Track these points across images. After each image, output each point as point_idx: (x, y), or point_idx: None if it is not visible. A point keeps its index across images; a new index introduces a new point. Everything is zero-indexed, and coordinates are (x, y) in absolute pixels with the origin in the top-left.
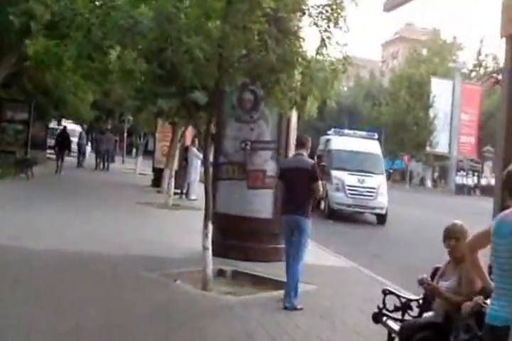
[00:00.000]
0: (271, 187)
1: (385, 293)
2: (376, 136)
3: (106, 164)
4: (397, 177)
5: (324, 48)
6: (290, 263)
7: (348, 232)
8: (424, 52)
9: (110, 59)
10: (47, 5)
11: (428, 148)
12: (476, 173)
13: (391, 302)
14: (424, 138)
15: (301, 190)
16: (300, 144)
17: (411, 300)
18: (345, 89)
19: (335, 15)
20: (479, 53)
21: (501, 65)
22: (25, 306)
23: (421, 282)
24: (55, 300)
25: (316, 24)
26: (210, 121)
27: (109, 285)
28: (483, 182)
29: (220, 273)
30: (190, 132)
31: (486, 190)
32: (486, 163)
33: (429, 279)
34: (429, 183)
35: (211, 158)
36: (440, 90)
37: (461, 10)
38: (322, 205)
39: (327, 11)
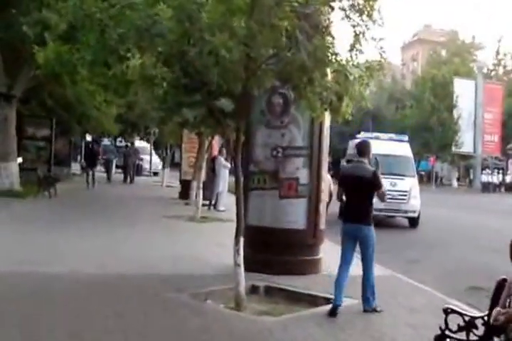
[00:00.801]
0: (304, 196)
1: (447, 312)
2: (407, 138)
3: (132, 177)
4: (424, 178)
5: (358, 44)
6: (343, 273)
7: (380, 238)
8: (444, 53)
9: (128, 64)
10: (61, 14)
11: (454, 148)
12: (500, 171)
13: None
14: (450, 139)
15: (362, 198)
16: (361, 152)
17: (475, 318)
18: (368, 92)
19: (368, 7)
20: (498, 52)
21: None
22: None
23: (495, 319)
24: (71, 334)
25: (348, 17)
26: (240, 128)
27: (133, 311)
28: (508, 179)
29: (252, 290)
30: (216, 142)
31: (510, 187)
32: (510, 161)
33: (494, 293)
34: (455, 183)
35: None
36: (463, 90)
37: (479, 9)
38: None
39: (359, 4)
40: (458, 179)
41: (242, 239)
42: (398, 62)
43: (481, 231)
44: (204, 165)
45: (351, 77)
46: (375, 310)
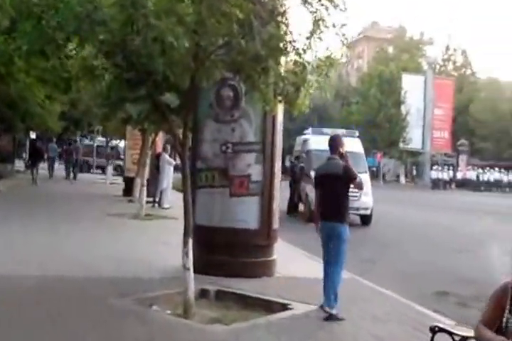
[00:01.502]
0: (256, 194)
1: (434, 330)
2: (357, 134)
3: (75, 174)
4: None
5: (318, 31)
6: (328, 270)
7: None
8: (391, 50)
9: (67, 54)
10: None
11: (401, 145)
12: (450, 167)
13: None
14: (397, 135)
15: (337, 195)
16: (332, 147)
17: (468, 338)
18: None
19: None
20: (447, 48)
21: (470, 59)
22: None
23: None
24: None
25: (306, 2)
26: (187, 123)
27: (70, 318)
28: (459, 176)
29: (202, 294)
30: (160, 139)
31: (461, 184)
32: (461, 157)
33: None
34: (402, 180)
35: (189, 165)
36: (411, 86)
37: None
38: (301, 208)
39: None
40: (406, 176)
41: (190, 241)
42: (343, 59)
43: (433, 229)
44: (148, 161)
45: (309, 67)
46: (336, 318)
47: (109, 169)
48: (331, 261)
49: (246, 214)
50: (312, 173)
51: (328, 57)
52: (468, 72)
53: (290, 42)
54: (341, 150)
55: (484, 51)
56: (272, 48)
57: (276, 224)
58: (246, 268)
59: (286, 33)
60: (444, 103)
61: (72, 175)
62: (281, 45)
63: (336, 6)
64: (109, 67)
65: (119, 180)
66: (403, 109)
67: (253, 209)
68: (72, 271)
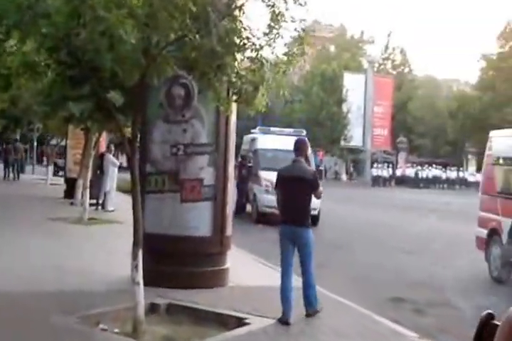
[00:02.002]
0: (209, 199)
1: None
2: (305, 133)
3: (16, 174)
4: None
5: (277, 26)
6: (287, 282)
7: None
8: (333, 48)
9: (5, 49)
10: None
11: (342, 143)
12: (390, 165)
13: None
14: (339, 133)
15: (301, 199)
16: (297, 150)
17: None
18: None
19: None
20: (387, 47)
21: (408, 57)
22: None
23: None
24: None
25: None
26: (136, 123)
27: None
28: (398, 173)
29: (152, 309)
30: (104, 138)
31: (400, 181)
32: (400, 154)
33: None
34: (344, 177)
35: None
36: (353, 84)
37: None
38: (248, 209)
39: None
40: (348, 173)
41: (140, 252)
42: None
43: (379, 228)
44: (91, 162)
45: (267, 64)
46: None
47: (50, 169)
48: (304, 268)
49: (198, 220)
50: (261, 173)
51: (287, 54)
52: (407, 70)
53: (247, 38)
54: (307, 153)
55: (422, 50)
56: (229, 44)
57: (229, 231)
58: (198, 279)
59: (243, 28)
60: (383, 101)
61: (12, 175)
62: (238, 40)
63: (295, 0)
64: (52, 63)
65: (61, 180)
66: (344, 107)
67: (205, 215)
68: (9, 285)
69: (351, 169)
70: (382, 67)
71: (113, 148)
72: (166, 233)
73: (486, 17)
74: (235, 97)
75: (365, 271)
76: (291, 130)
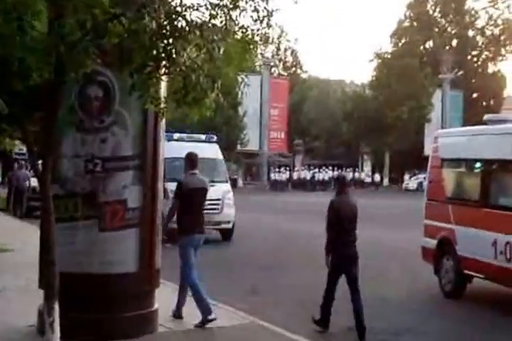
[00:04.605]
0: (135, 225)
1: None
2: (215, 139)
3: None
4: None
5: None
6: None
7: (199, 259)
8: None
9: None
10: None
11: (239, 147)
12: (287, 168)
13: None
14: (235, 137)
15: (201, 209)
16: (194, 164)
17: None
18: None
19: None
20: (278, 48)
21: (300, 59)
22: None
23: None
24: None
25: None
26: (49, 131)
27: None
28: (295, 176)
29: None
30: None
31: (297, 184)
32: (297, 157)
33: None
34: (240, 182)
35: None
36: (248, 87)
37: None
38: None
39: None
40: (245, 179)
41: (57, 306)
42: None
43: (300, 239)
44: None
45: (217, 54)
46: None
47: None
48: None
49: (121, 253)
50: (168, 185)
51: (241, 41)
52: (299, 71)
53: (198, 25)
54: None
55: (314, 51)
56: (174, 29)
57: (159, 263)
58: (121, 327)
59: (191, 7)
60: (279, 103)
61: None
62: (184, 23)
63: None
64: None
65: None
66: (240, 110)
67: (130, 245)
68: None
69: (239, 173)
70: (274, 69)
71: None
72: (81, 271)
73: (378, 16)
74: (176, 96)
75: (302, 293)
76: (200, 136)
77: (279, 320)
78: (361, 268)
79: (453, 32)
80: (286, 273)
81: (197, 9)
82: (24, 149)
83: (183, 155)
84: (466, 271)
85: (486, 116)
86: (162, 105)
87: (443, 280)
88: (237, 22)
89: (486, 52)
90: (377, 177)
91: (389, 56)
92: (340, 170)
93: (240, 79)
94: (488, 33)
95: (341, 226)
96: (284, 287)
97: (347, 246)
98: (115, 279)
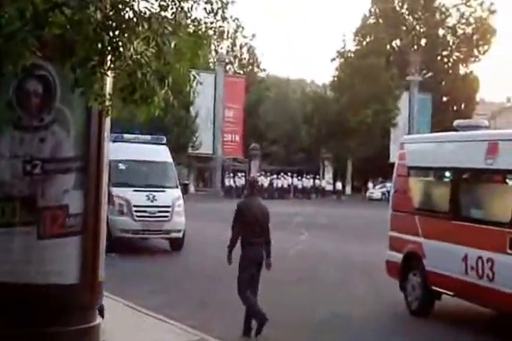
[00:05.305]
0: (76, 233)
1: None
2: (164, 140)
3: None
4: None
5: None
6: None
7: (147, 270)
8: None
9: None
10: None
11: (190, 150)
12: (243, 173)
13: None
14: (187, 140)
15: None
16: None
17: None
18: None
19: None
20: (234, 44)
21: (258, 56)
22: None
23: None
24: None
25: None
26: None
27: None
28: None
29: None
30: None
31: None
32: (253, 162)
33: None
34: (192, 188)
35: None
36: (201, 85)
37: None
38: None
39: None
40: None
41: None
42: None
43: None
44: None
45: (167, 48)
46: None
47: None
48: None
49: (61, 262)
50: (114, 190)
51: (194, 35)
52: (256, 69)
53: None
54: None
55: (272, 48)
56: (121, 19)
57: (102, 275)
58: None
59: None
60: (234, 103)
61: None
62: (131, 14)
63: None
64: None
65: None
66: (192, 110)
67: (72, 254)
68: None
69: (187, 179)
70: (229, 66)
71: None
72: (17, 282)
73: (344, 12)
74: (122, 94)
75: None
76: (148, 136)
77: (229, 336)
78: (322, 282)
79: (422, 30)
80: (224, 280)
81: None
82: None
83: (130, 157)
84: (435, 288)
85: (456, 122)
86: (107, 103)
87: (409, 297)
88: (189, 14)
89: (457, 53)
90: (339, 185)
91: (352, 55)
92: (300, 177)
93: (191, 77)
94: (459, 32)
95: (249, 227)
96: (235, 299)
97: (252, 248)
98: (54, 290)
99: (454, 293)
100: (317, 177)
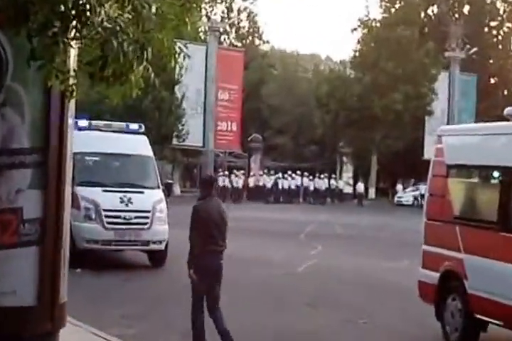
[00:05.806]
0: (33, 243)
1: None
2: (143, 129)
3: None
4: None
5: None
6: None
7: (120, 290)
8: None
9: None
10: None
11: (175, 141)
12: (241, 172)
13: None
14: (171, 128)
15: None
16: None
17: None
18: None
19: None
20: (230, 8)
21: (260, 25)
22: None
23: None
24: None
25: None
26: None
27: None
28: (251, 182)
29: None
30: None
31: (254, 194)
32: (254, 157)
33: None
34: (177, 189)
35: None
36: (190, 60)
37: None
38: None
39: None
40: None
41: None
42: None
43: (265, 270)
44: None
45: (146, 13)
46: None
47: None
48: None
49: (14, 280)
50: (79, 190)
51: None
52: (258, 41)
53: None
54: None
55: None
56: None
57: (65, 295)
58: None
59: None
60: (231, 83)
61: None
62: None
63: None
64: None
65: None
66: (178, 91)
67: (27, 270)
68: None
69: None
70: (224, 37)
71: None
72: None
73: None
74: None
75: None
76: (121, 124)
77: None
78: (337, 307)
79: None
80: (232, 307)
81: None
82: None
83: (100, 150)
84: (479, 316)
85: (507, 109)
86: (71, 81)
87: (448, 327)
88: None
89: (508, 24)
90: (360, 186)
91: (378, 25)
92: (311, 177)
93: (177, 49)
94: None
95: (208, 233)
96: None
97: (211, 256)
98: (5, 315)
99: (503, 323)
100: (333, 176)
